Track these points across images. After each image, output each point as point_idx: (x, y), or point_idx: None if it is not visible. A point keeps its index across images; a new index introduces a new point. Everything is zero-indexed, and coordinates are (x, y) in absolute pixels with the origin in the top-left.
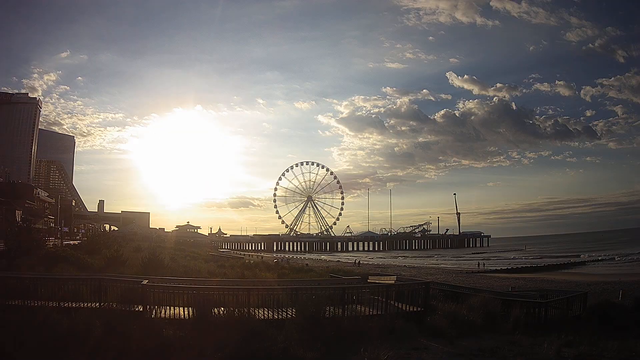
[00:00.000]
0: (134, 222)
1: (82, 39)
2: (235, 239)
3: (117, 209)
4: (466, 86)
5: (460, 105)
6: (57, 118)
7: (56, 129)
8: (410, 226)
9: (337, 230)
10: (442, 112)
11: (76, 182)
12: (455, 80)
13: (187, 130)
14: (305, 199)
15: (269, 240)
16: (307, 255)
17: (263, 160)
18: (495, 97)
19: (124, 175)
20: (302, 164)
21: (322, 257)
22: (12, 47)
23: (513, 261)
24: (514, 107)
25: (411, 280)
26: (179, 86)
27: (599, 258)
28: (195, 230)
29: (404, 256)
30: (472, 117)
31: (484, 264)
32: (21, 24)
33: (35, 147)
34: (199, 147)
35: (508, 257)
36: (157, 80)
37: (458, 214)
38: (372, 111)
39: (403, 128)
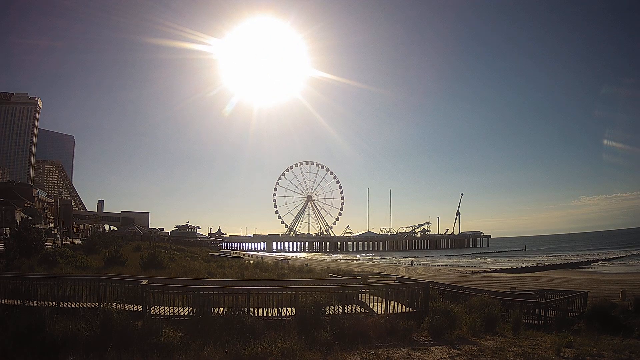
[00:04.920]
0: (133, 222)
1: None
2: (235, 239)
3: (117, 209)
4: None
5: None
6: None
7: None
8: (410, 226)
9: (337, 230)
10: None
11: (75, 181)
12: None
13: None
14: (305, 199)
15: (268, 240)
16: (307, 255)
17: None
18: None
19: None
20: (302, 163)
21: (322, 257)
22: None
23: (514, 261)
24: None
25: (411, 281)
26: None
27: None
28: (195, 230)
29: (404, 257)
30: None
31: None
32: None
33: (35, 147)
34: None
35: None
36: None
37: (458, 213)
38: None
39: None
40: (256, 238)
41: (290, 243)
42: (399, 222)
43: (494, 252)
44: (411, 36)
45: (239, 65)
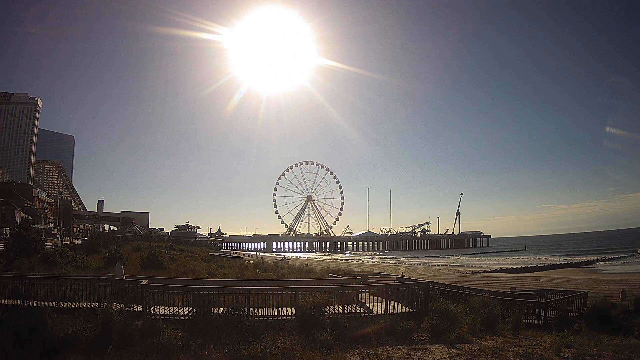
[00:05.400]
0: (133, 222)
1: None
2: (235, 239)
3: (117, 209)
4: None
5: None
6: None
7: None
8: (410, 226)
9: (337, 231)
10: None
11: (75, 181)
12: None
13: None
14: (305, 199)
15: (268, 240)
16: (307, 255)
17: None
18: None
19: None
20: (301, 163)
21: (322, 257)
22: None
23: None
24: None
25: (410, 281)
26: None
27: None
28: (195, 230)
29: (404, 257)
30: None
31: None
32: None
33: (35, 147)
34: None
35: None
36: None
37: (458, 213)
38: None
39: None
40: (256, 238)
41: (290, 243)
42: (399, 222)
43: (494, 252)
44: (418, 25)
45: (247, 54)
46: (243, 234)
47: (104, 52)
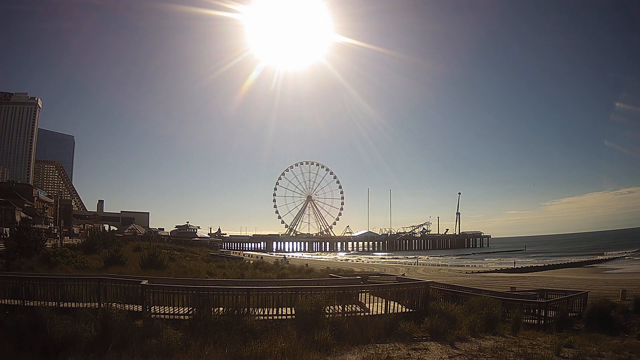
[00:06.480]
0: (133, 222)
1: None
2: (235, 239)
3: (117, 209)
4: None
5: None
6: None
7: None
8: (411, 226)
9: (337, 231)
10: None
11: (75, 181)
12: None
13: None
14: (305, 199)
15: (268, 240)
16: (307, 255)
17: None
18: None
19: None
20: (302, 163)
21: (322, 257)
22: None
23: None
24: None
25: (410, 281)
26: None
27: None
28: (195, 230)
29: (404, 257)
30: None
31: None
32: None
33: (35, 147)
34: None
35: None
36: None
37: (458, 213)
38: None
39: None
40: (256, 238)
41: (290, 243)
42: (399, 222)
43: (494, 252)
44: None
45: (264, 31)
46: (243, 234)
47: (106, 46)
